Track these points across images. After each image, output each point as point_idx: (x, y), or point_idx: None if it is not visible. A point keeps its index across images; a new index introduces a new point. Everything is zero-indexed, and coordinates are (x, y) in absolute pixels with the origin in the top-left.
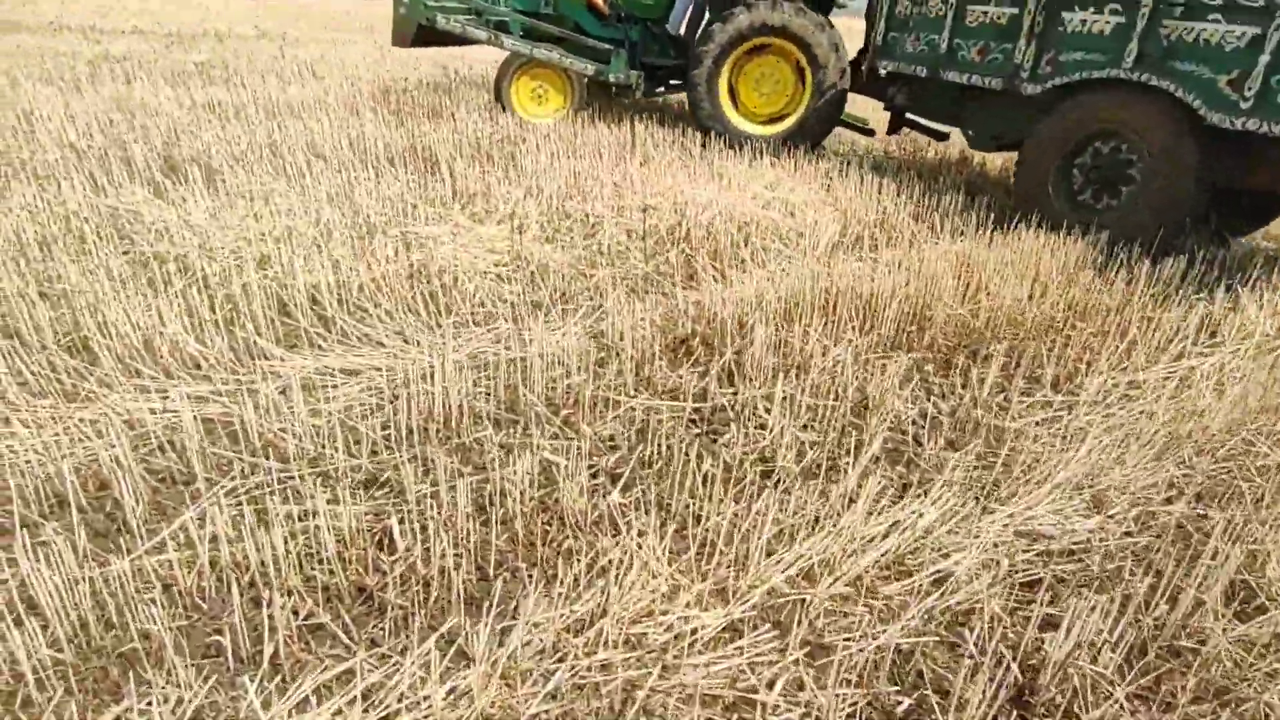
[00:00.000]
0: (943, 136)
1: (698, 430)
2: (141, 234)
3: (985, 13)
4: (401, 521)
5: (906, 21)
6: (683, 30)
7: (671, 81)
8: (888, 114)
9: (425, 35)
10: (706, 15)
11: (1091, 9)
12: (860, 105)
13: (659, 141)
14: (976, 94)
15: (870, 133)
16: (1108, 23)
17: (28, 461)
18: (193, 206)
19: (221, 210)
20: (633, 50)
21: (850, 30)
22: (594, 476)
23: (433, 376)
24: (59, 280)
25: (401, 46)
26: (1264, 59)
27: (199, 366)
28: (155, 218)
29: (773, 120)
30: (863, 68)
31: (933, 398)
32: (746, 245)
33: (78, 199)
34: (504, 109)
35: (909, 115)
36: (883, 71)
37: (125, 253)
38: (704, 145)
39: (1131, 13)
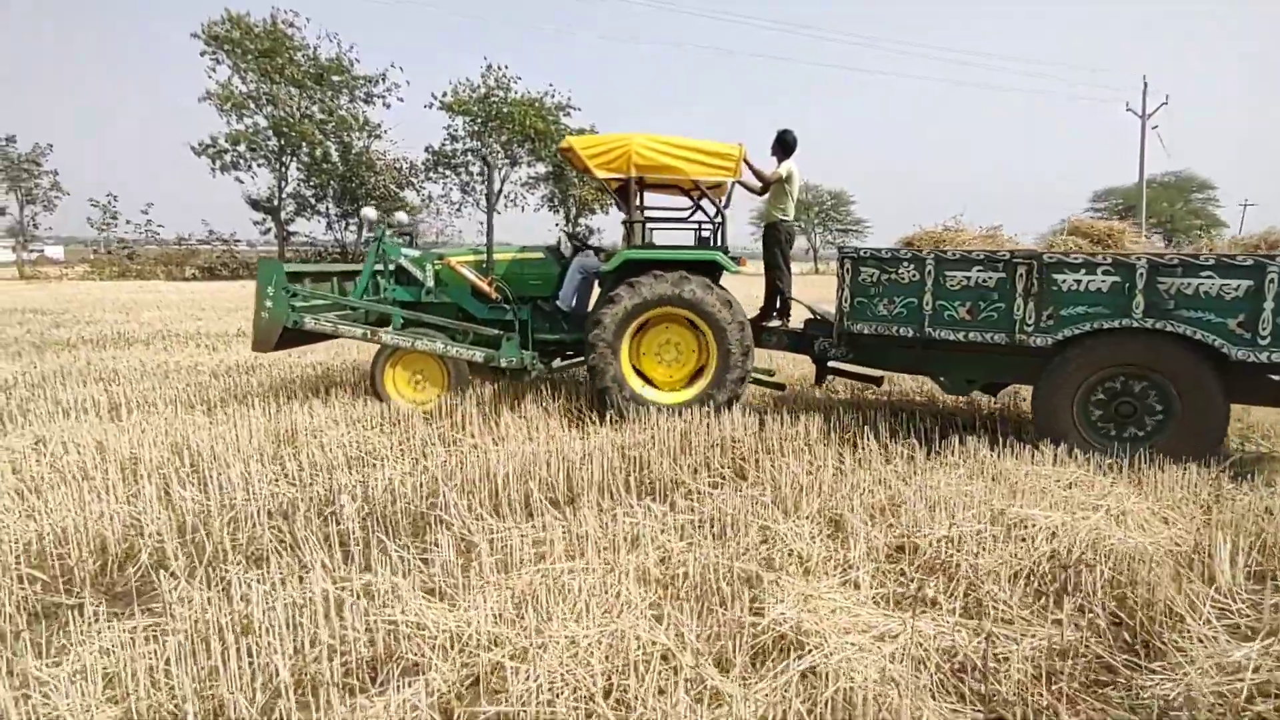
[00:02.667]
0: (878, 382)
1: None
2: None
3: (967, 278)
4: None
5: (870, 288)
6: (573, 304)
7: (568, 355)
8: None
9: (290, 337)
10: (595, 288)
11: (1083, 271)
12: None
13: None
14: (947, 345)
15: (780, 387)
16: (1103, 281)
17: None
18: None
19: None
20: (524, 330)
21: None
22: None
23: None
24: None
25: (263, 351)
26: (1268, 304)
27: None
28: None
29: (682, 386)
30: (834, 331)
31: None
32: None
33: None
34: (380, 398)
35: (831, 364)
36: (854, 331)
37: None
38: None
39: (1127, 273)
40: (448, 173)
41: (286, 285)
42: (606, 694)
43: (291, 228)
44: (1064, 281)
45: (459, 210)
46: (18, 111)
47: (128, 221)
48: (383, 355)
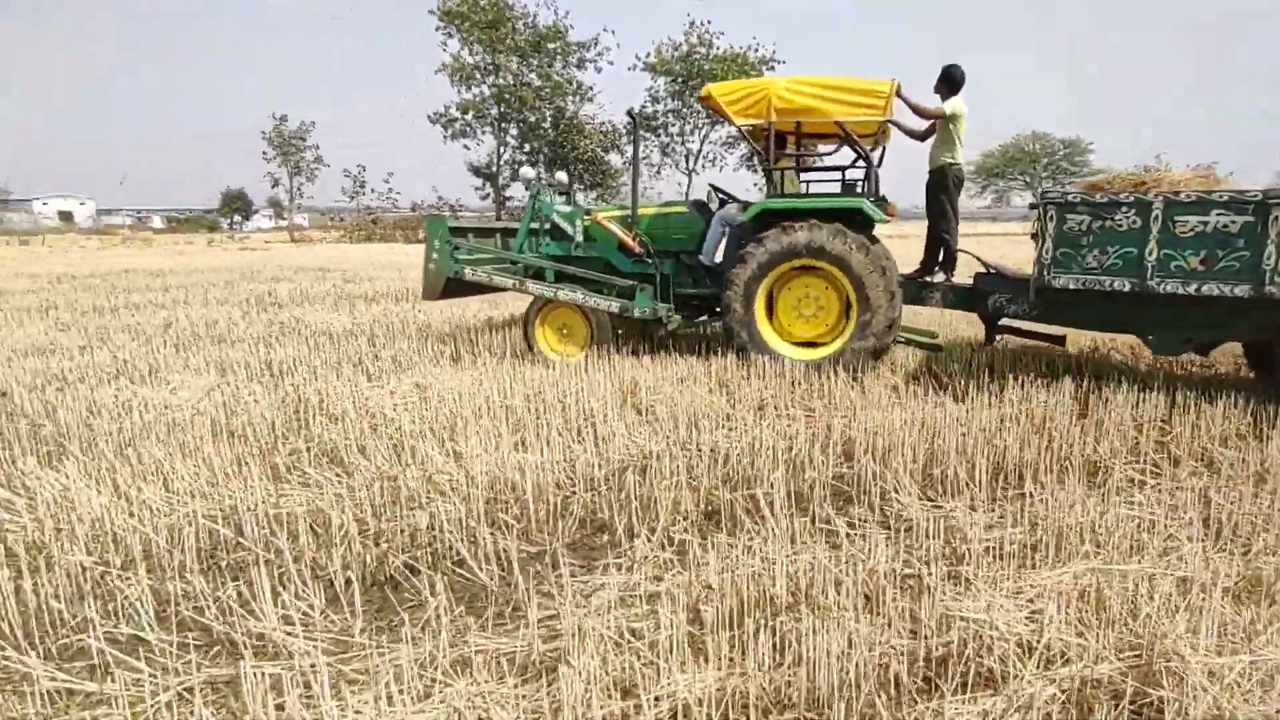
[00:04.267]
0: (1059, 340)
1: None
2: None
3: (1204, 223)
4: None
5: (1079, 237)
6: (718, 259)
7: (711, 311)
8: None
9: (452, 287)
10: (740, 243)
11: None
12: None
13: None
14: (1167, 300)
15: (938, 348)
16: None
17: None
18: None
19: None
20: (665, 284)
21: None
22: None
23: None
24: None
25: (430, 299)
26: None
27: None
28: None
29: (815, 344)
30: (1031, 286)
31: None
32: None
33: None
34: (531, 349)
35: (1005, 323)
36: (1057, 285)
37: None
38: None
39: None
40: (648, 135)
41: (450, 239)
42: None
43: (507, 192)
44: None
45: (658, 172)
46: (286, 92)
47: (372, 190)
48: (534, 308)
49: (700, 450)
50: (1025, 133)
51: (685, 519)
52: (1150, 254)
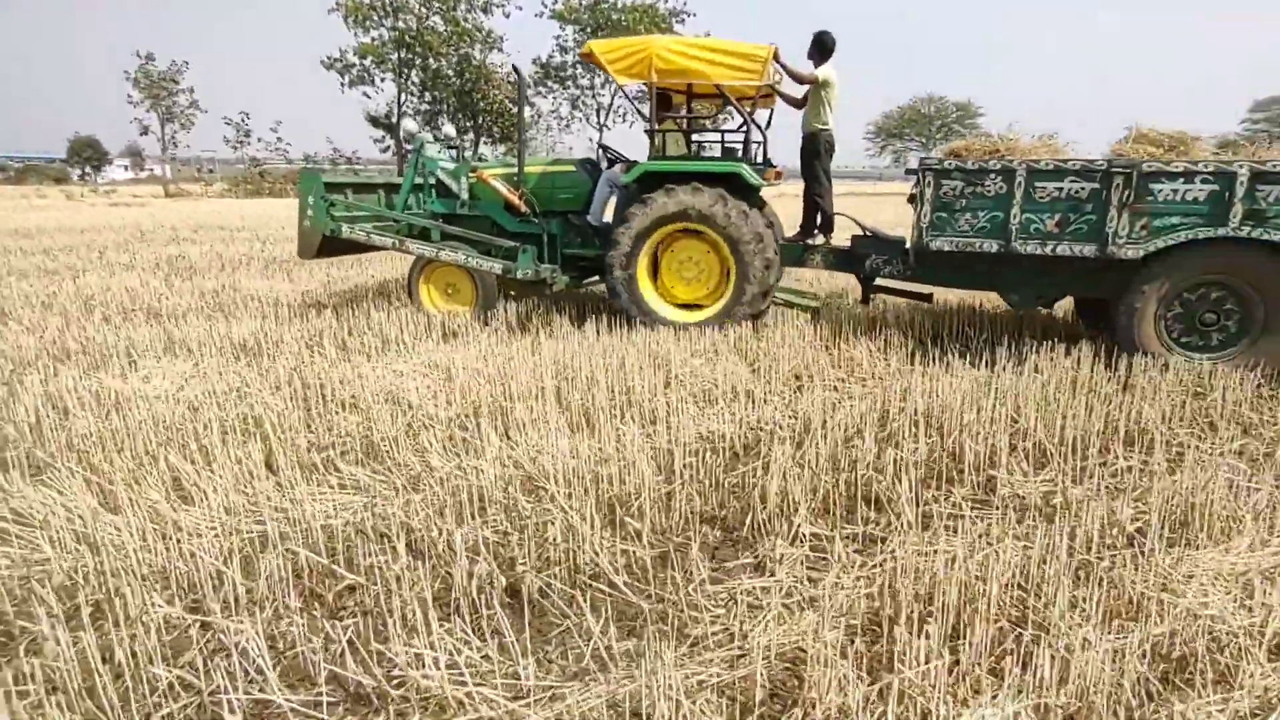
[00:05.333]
0: (926, 298)
1: None
2: None
3: (1059, 189)
4: None
5: (953, 201)
6: (606, 219)
7: (600, 272)
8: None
9: (330, 245)
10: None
11: (1181, 180)
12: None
13: None
14: (1027, 260)
15: (816, 310)
16: (1201, 190)
17: None
18: None
19: None
20: (553, 244)
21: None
22: None
23: None
24: None
25: (306, 258)
26: None
27: None
28: None
29: (696, 305)
30: (908, 247)
31: None
32: None
33: None
34: (416, 306)
35: (880, 283)
36: (934, 248)
37: None
38: None
39: (1227, 181)
40: (556, 86)
41: (325, 195)
42: None
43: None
44: (1160, 191)
45: (567, 126)
46: (158, 28)
47: (259, 140)
48: (417, 266)
49: (780, 429)
50: (922, 95)
51: (800, 509)
52: (1015, 217)
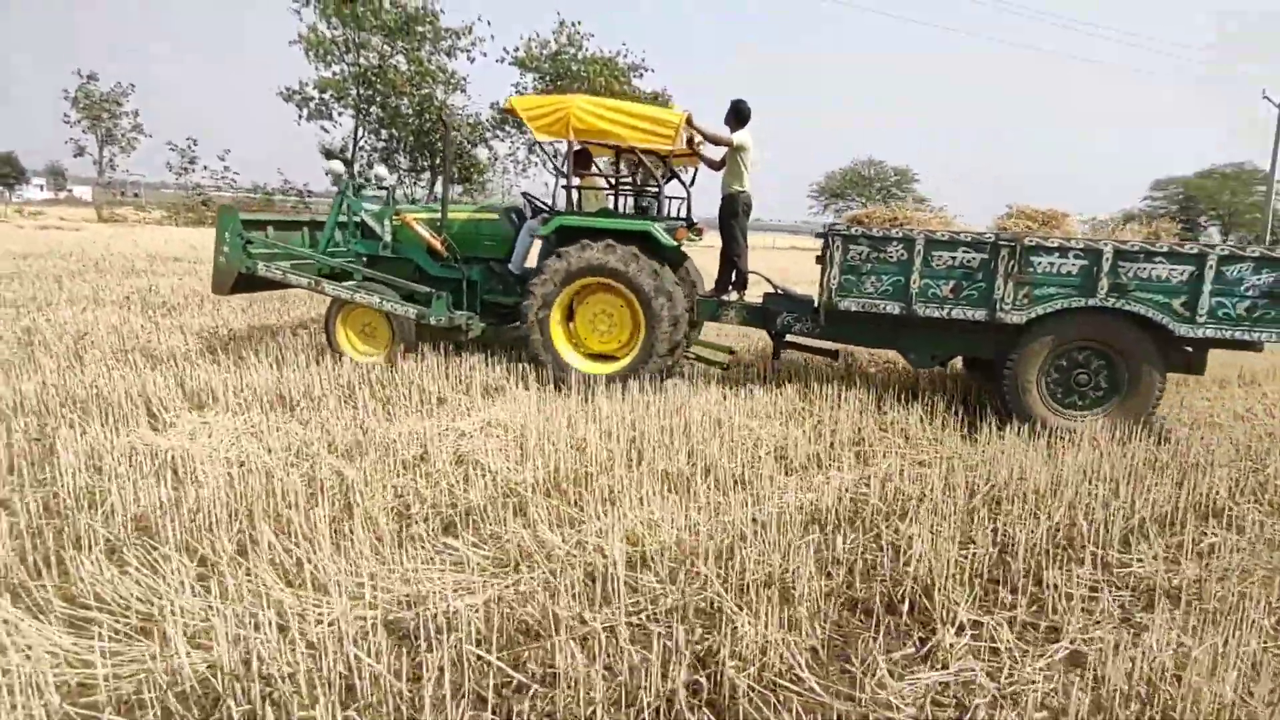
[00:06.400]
0: (834, 355)
1: None
2: None
3: (953, 258)
4: None
5: (859, 265)
6: (524, 267)
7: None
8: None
9: (246, 282)
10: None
11: (1057, 254)
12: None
13: None
14: (923, 322)
15: (725, 367)
16: (1074, 265)
17: None
18: None
19: None
20: (473, 290)
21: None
22: None
23: None
24: None
25: (219, 294)
26: (1206, 288)
27: None
28: None
29: (606, 358)
30: (821, 308)
31: None
32: None
33: None
34: (333, 349)
35: (790, 340)
36: (842, 308)
37: None
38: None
39: (1095, 257)
40: (514, 131)
41: (242, 233)
42: None
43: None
44: (1040, 263)
45: (524, 171)
46: (102, 48)
47: (205, 167)
48: (334, 307)
49: (879, 501)
50: (863, 158)
51: (948, 588)
52: (914, 282)
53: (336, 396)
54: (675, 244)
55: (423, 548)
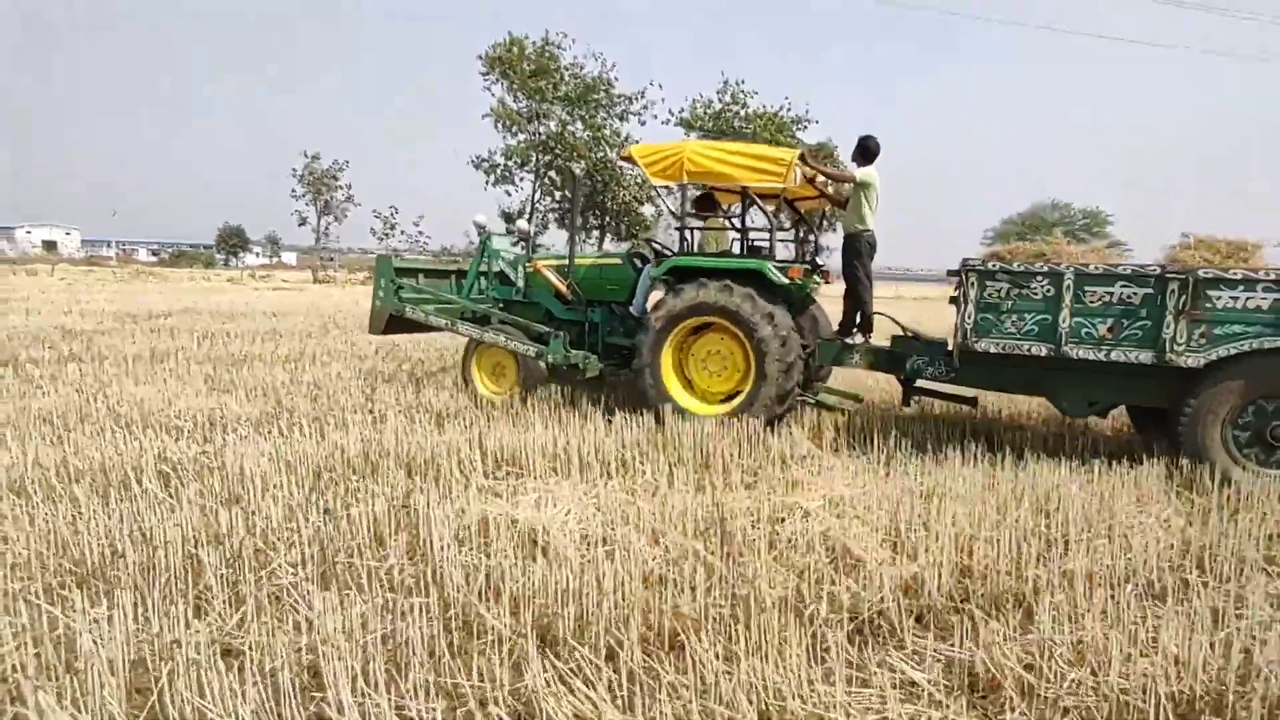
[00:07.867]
0: (972, 402)
1: None
2: None
3: (1110, 294)
4: None
5: (998, 304)
6: (645, 309)
7: None
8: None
9: (396, 324)
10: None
11: (1241, 288)
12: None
13: None
14: (1078, 364)
15: (858, 398)
16: (1263, 299)
17: None
18: None
19: None
20: (594, 331)
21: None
22: None
23: None
24: None
25: (374, 333)
26: None
27: None
28: None
29: (722, 399)
30: (950, 349)
31: None
32: None
33: None
34: (466, 385)
35: (922, 384)
36: (978, 349)
37: None
38: None
39: None
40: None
41: (395, 279)
42: None
43: (542, 239)
44: (1219, 299)
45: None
46: (320, 130)
47: (401, 232)
48: (470, 346)
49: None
50: (1045, 201)
51: None
52: (1064, 321)
53: (661, 464)
54: (787, 282)
55: (854, 665)
